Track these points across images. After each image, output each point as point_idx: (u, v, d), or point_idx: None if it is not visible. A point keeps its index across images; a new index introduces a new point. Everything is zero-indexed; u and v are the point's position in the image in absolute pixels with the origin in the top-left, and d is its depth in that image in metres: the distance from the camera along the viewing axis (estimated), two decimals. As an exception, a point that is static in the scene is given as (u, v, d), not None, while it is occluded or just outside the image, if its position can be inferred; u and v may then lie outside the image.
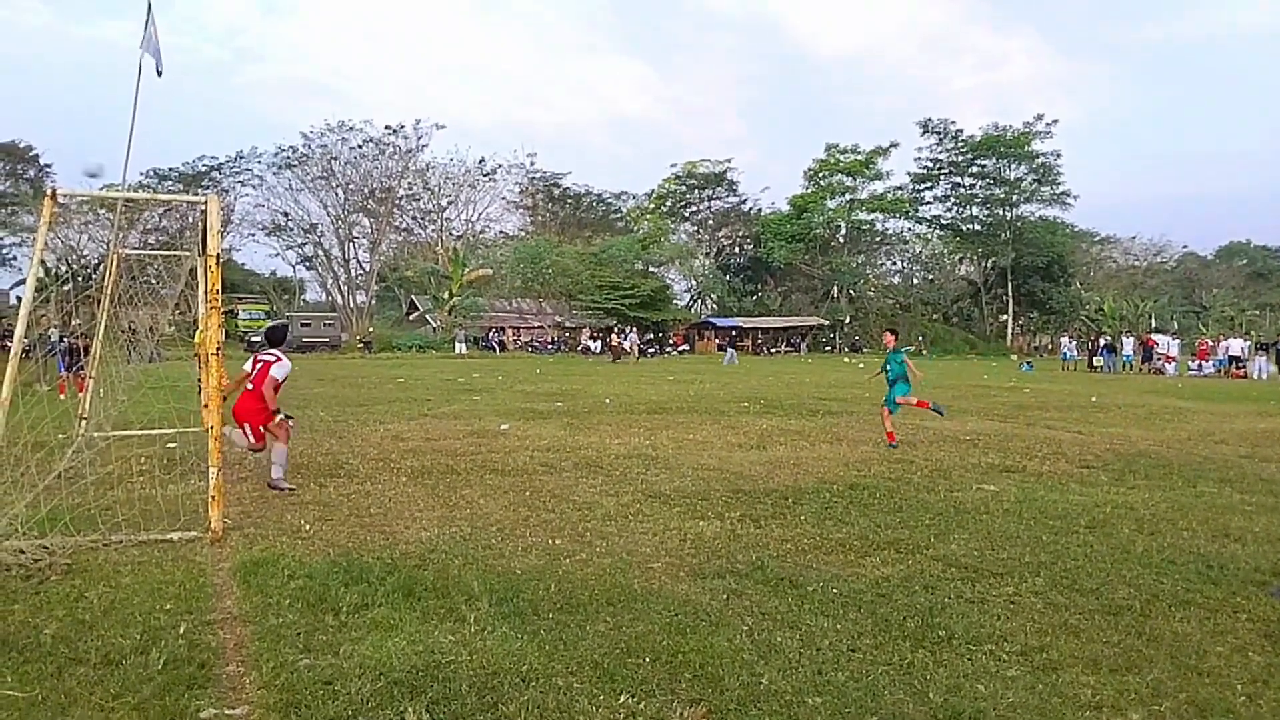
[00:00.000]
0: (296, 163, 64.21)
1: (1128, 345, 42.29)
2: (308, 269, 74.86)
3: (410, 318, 67.03)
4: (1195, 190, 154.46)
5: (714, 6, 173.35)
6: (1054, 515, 8.12)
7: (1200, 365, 37.40)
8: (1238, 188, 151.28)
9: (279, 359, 9.11)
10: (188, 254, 13.53)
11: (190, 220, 45.37)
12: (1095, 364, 40.37)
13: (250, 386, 9.03)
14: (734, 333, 60.44)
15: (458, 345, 49.93)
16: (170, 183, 64.48)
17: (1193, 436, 14.20)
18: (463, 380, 27.03)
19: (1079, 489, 9.50)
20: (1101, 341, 42.55)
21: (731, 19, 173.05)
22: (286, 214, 66.81)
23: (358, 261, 69.94)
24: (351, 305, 67.68)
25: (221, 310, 7.31)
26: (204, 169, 65.63)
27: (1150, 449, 12.63)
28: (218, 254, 7.20)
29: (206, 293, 8.01)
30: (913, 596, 5.67)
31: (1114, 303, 67.76)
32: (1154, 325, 61.04)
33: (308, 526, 7.41)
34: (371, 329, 56.40)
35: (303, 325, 52.50)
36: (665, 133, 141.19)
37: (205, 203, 7.38)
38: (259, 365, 9.07)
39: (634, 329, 52.76)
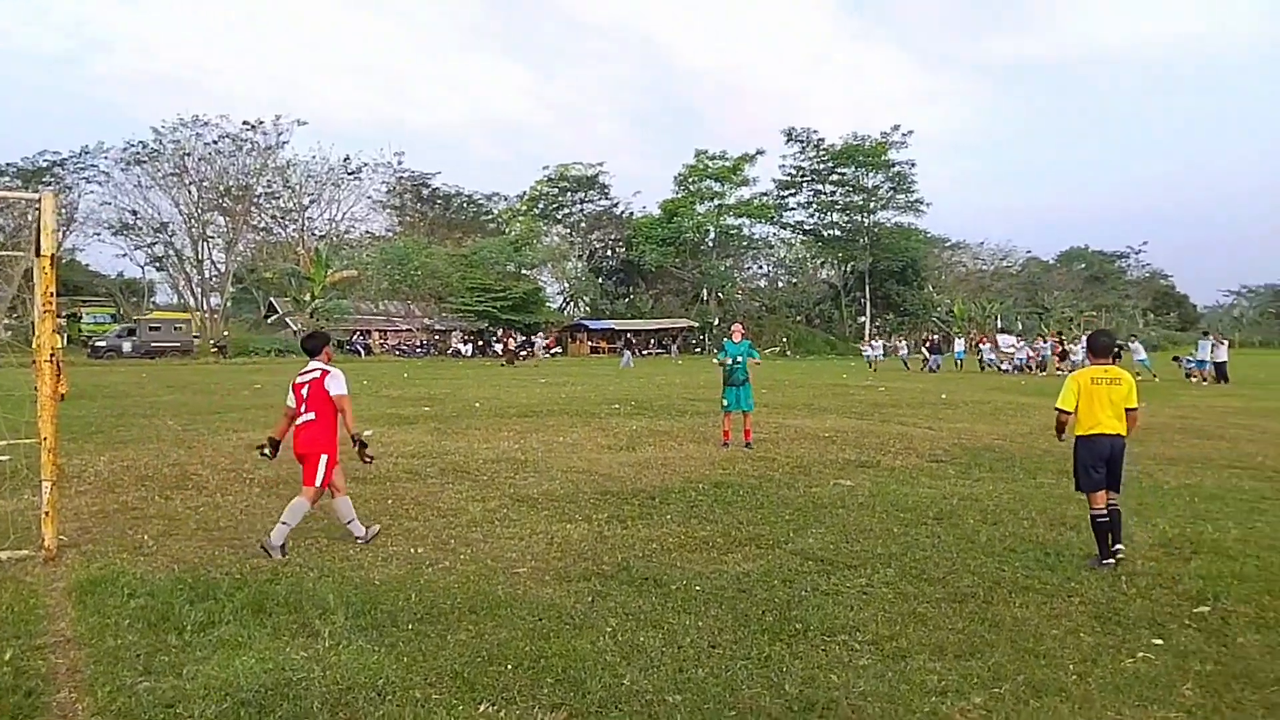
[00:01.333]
0: (147, 159, 60.52)
1: (959, 345, 44.61)
2: (158, 270, 70.78)
3: (269, 321, 64.35)
4: (1038, 198, 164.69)
5: (589, 13, 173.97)
6: (905, 508, 8.48)
7: (1030, 361, 39.45)
8: (1077, 196, 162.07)
9: (327, 370, 7.09)
10: (23, 254, 12.63)
11: (29, 219, 42.25)
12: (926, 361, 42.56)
13: (312, 416, 7.00)
14: (629, 336, 60.57)
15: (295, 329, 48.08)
16: (8, 178, 59.74)
17: (1033, 431, 15.08)
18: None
19: (929, 482, 9.96)
20: (941, 340, 44.78)
21: (606, 26, 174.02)
22: (135, 212, 62.96)
23: (212, 262, 66.54)
24: (205, 308, 64.45)
25: (60, 314, 6.84)
26: (46, 164, 61.07)
27: (994, 443, 13.36)
28: (53, 255, 6.74)
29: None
30: (772, 591, 5.81)
31: (963, 305, 71.39)
32: (1000, 326, 64.63)
33: (151, 542, 7.05)
34: (227, 332, 53.86)
35: (151, 329, 49.75)
36: (539, 135, 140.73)
37: (39, 200, 6.88)
38: (306, 385, 7.04)
39: (541, 334, 51.94)
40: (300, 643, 4.81)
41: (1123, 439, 6.64)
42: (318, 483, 6.91)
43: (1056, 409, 6.80)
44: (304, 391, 7.04)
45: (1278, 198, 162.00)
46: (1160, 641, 4.94)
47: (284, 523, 6.71)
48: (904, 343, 48.04)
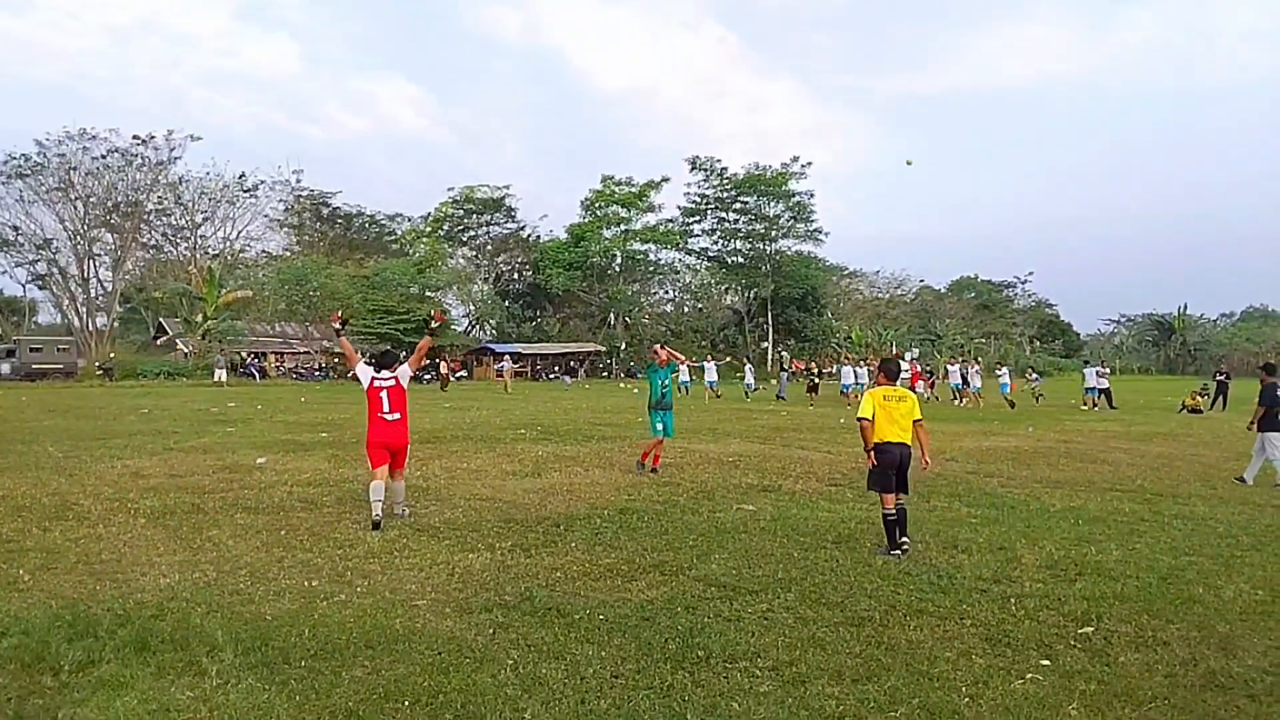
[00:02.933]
0: (29, 172, 57.75)
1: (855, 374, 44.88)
2: (40, 289, 67.56)
3: (158, 342, 61.90)
4: (930, 228, 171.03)
5: (493, 33, 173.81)
6: (805, 532, 8.62)
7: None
8: (967, 227, 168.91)
9: (396, 376, 9.14)
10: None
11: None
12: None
13: (399, 416, 8.97)
14: (572, 361, 59.35)
15: (216, 372, 46.20)
16: (-125, 190, 56.35)
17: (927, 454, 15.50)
18: (216, 410, 25.25)
19: (828, 506, 10.15)
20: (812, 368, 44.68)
21: (511, 47, 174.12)
22: (16, 228, 59.99)
23: (98, 281, 63.86)
24: (90, 328, 61.58)
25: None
26: (-81, 176, 57.82)
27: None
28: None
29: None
30: (675, 618, 5.82)
31: (861, 331, 73.39)
32: (895, 351, 66.58)
33: (27, 576, 6.68)
34: (113, 354, 51.53)
35: (33, 351, 47.26)
36: (442, 155, 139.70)
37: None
38: (385, 389, 8.96)
39: (508, 358, 48.37)
40: (186, 682, 4.60)
41: (909, 447, 7.87)
42: (404, 468, 9.39)
43: (859, 418, 7.93)
44: (384, 395, 8.93)
45: (1154, 229, 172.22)
46: (1048, 662, 5.12)
47: (398, 502, 9.10)
48: (712, 364, 39.81)
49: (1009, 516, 9.64)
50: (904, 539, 7.74)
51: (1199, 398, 30.14)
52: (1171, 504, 10.65)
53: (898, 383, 8.30)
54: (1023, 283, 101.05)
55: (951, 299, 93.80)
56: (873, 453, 7.81)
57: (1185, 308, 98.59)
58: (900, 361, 8.88)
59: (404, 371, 9.21)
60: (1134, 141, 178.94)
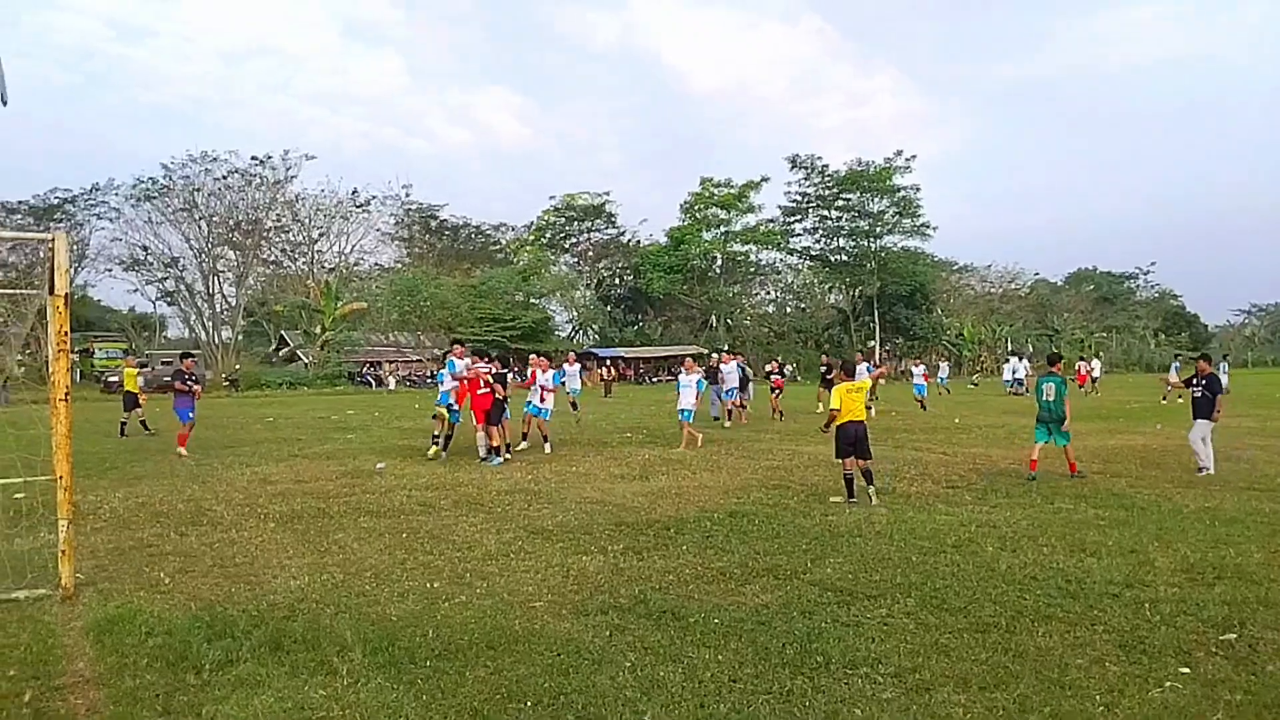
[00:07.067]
0: (157, 194, 61.30)
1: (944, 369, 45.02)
2: (169, 305, 71.55)
3: (280, 354, 64.68)
4: (1044, 219, 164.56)
5: (590, 39, 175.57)
6: (922, 536, 8.41)
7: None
8: (1083, 216, 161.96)
9: (490, 370, 14.62)
10: (36, 293, 12.74)
11: (41, 255, 42.64)
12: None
13: (488, 390, 14.10)
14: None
15: (388, 380, 49.06)
16: (20, 216, 60.73)
17: (1048, 455, 14.92)
18: (336, 418, 26.21)
19: (945, 509, 9.88)
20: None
21: (607, 53, 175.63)
22: (146, 248, 63.72)
23: (223, 296, 67.13)
24: (216, 342, 64.75)
25: (73, 351, 6.88)
26: (57, 201, 62.16)
27: (1010, 468, 13.25)
28: (67, 294, 6.79)
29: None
30: (791, 623, 5.76)
31: (973, 328, 71.20)
32: (1010, 348, 64.32)
33: (167, 579, 7.04)
34: (238, 366, 54.07)
35: (163, 364, 49.95)
36: (543, 164, 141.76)
37: (52, 240, 6.93)
38: (485, 372, 14.39)
39: (609, 363, 46.46)
40: (319, 681, 4.79)
41: (864, 424, 10.60)
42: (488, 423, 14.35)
43: (831, 409, 10.65)
44: (484, 375, 14.28)
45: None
46: (1187, 670, 4.87)
47: (481, 445, 14.43)
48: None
49: (1139, 518, 9.21)
50: (870, 486, 10.26)
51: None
52: (1318, 504, 9.99)
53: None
54: (1145, 273, 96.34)
55: (1069, 292, 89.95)
56: (839, 429, 10.44)
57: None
58: (854, 363, 12.50)
59: (491, 370, 14.71)
60: (1257, 121, 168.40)
